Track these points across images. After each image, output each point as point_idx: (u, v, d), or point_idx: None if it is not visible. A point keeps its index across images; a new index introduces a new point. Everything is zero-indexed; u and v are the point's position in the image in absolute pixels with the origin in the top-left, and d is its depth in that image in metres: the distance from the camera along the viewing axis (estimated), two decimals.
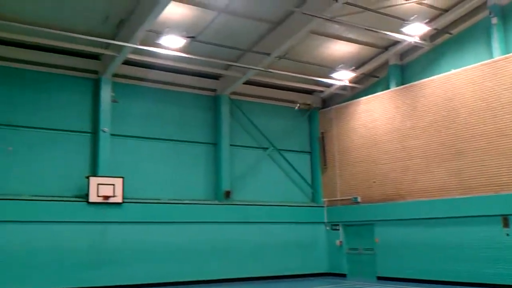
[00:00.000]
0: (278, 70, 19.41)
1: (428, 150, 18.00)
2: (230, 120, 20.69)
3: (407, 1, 16.38)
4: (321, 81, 20.89)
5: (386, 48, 19.81)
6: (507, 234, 15.37)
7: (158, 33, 16.11)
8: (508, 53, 16.14)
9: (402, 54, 20.14)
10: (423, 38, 18.45)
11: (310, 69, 20.37)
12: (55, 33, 15.25)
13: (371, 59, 20.41)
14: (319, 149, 22.75)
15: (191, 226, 18.66)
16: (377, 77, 21.13)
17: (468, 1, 17.06)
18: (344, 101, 22.16)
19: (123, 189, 17.28)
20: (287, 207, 21.31)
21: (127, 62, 17.82)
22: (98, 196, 16.79)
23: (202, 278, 18.45)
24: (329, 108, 22.72)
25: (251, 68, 18.81)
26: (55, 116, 17.15)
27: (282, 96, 22.09)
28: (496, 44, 16.45)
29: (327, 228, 21.91)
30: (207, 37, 17.40)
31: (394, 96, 19.68)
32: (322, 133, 22.73)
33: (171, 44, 16.60)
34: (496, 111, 15.98)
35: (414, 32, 17.62)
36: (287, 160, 22.07)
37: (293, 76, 20.17)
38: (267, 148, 21.69)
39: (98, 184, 16.86)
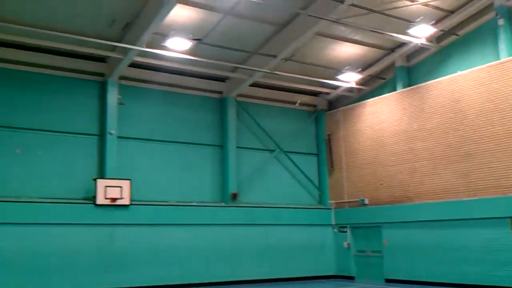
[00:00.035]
0: (284, 72, 19.41)
1: (435, 152, 17.91)
2: (237, 122, 20.72)
3: (414, 3, 16.35)
4: (328, 83, 20.86)
5: (392, 50, 19.76)
6: None
7: (164, 36, 16.15)
8: None
9: (409, 56, 20.07)
10: (429, 39, 18.39)
11: (316, 71, 20.36)
12: (62, 36, 15.33)
13: (377, 60, 20.37)
14: (326, 151, 22.72)
15: (198, 228, 18.70)
16: (384, 78, 21.07)
17: (475, 2, 17.00)
18: (350, 103, 22.13)
19: (130, 191, 17.34)
20: (294, 209, 21.29)
21: (134, 65, 17.90)
22: (106, 198, 16.85)
23: (209, 280, 18.47)
24: (335, 110, 22.68)
25: (257, 70, 18.82)
26: (62, 119, 17.24)
27: (289, 98, 22.07)
28: (503, 45, 16.33)
29: (335, 230, 21.86)
30: (213, 40, 17.43)
31: (400, 98, 19.62)
32: (329, 135, 22.70)
33: (177, 47, 16.65)
34: (504, 112, 15.87)
35: (421, 33, 17.58)
36: (293, 162, 22.06)
37: (299, 78, 20.17)
38: (273, 150, 21.69)
39: (106, 186, 16.93)
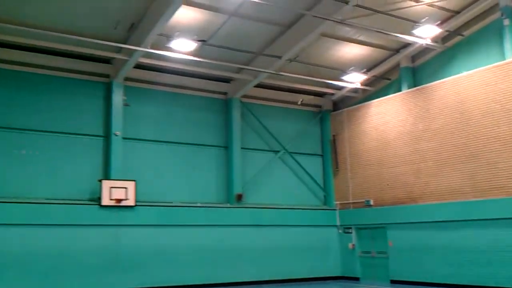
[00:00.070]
0: (289, 73, 19.41)
1: (441, 152, 17.86)
2: (241, 123, 20.72)
3: (419, 3, 16.31)
4: (332, 83, 20.83)
5: (397, 50, 19.72)
6: None
7: (169, 37, 16.16)
8: None
9: (414, 56, 20.02)
10: (434, 40, 18.34)
11: (321, 71, 20.34)
12: (67, 37, 15.35)
13: (382, 61, 20.34)
14: (330, 152, 22.69)
15: (203, 229, 18.70)
16: (389, 79, 21.03)
17: (480, 2, 16.94)
18: (355, 104, 22.10)
19: (135, 192, 17.38)
20: (299, 210, 21.27)
21: (139, 66, 17.93)
22: (111, 199, 16.89)
23: (214, 282, 18.46)
24: (340, 110, 22.65)
25: (262, 71, 18.82)
26: (67, 120, 17.28)
27: (293, 99, 22.04)
28: (508, 46, 16.25)
29: (340, 231, 21.82)
30: (218, 41, 17.44)
31: (406, 98, 19.57)
32: (334, 135, 22.67)
33: (182, 48, 16.64)
34: (510, 112, 15.80)
35: (426, 34, 17.51)
36: (298, 163, 22.05)
37: (304, 79, 20.17)
38: (278, 151, 21.68)
39: (111, 187, 16.96)
